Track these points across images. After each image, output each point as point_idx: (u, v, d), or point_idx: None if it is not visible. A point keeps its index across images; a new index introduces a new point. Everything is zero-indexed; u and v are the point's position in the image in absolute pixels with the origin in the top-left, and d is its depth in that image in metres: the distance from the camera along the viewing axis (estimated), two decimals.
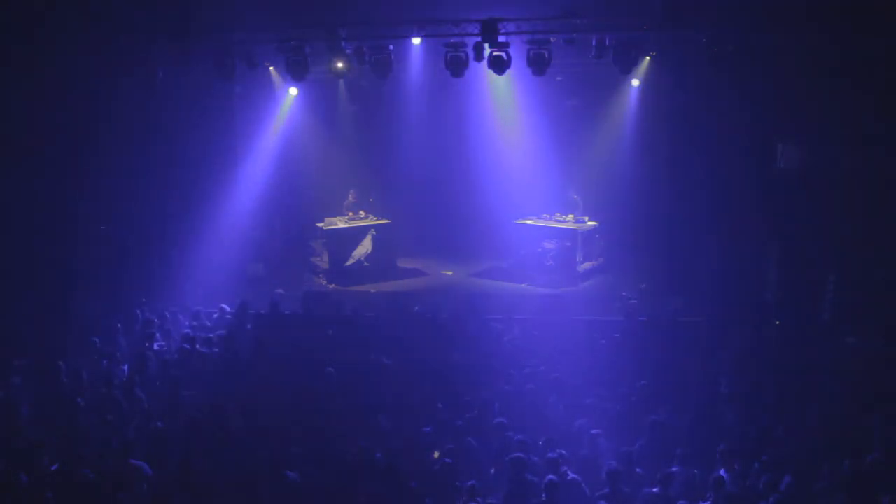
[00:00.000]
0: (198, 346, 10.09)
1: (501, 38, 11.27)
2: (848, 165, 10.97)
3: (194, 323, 11.47)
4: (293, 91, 15.38)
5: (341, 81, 15.00)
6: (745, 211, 12.53)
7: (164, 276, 12.98)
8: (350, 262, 15.06)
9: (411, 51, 12.86)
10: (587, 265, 14.98)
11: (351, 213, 15.42)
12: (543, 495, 6.54)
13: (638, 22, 11.18)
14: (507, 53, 11.39)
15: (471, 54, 11.51)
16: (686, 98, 13.35)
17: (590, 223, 14.99)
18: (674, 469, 6.95)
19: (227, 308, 11.84)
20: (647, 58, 13.66)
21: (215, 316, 11.85)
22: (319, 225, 15.19)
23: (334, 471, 7.17)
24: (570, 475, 6.87)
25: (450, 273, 15.63)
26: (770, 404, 8.52)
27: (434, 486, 6.94)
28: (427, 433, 7.82)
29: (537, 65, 11.54)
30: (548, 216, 15.32)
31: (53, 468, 7.02)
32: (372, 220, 15.38)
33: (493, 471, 7.29)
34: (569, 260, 14.65)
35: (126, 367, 9.69)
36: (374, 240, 15.20)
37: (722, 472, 6.97)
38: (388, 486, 6.84)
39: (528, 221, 15.30)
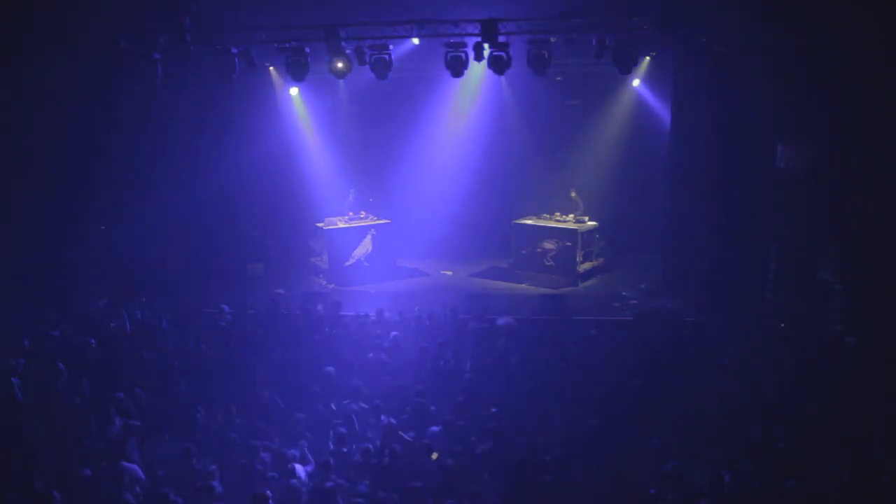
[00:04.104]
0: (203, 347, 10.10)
1: (501, 38, 11.27)
2: (848, 165, 10.97)
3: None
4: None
5: (341, 81, 14.99)
6: (744, 211, 12.52)
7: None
8: (350, 262, 15.07)
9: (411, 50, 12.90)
10: (587, 265, 14.98)
11: (351, 213, 15.43)
12: (542, 496, 6.55)
13: (638, 22, 11.17)
14: (508, 53, 11.39)
15: (471, 54, 11.50)
16: (686, 97, 13.34)
17: (590, 223, 14.99)
18: (670, 468, 6.95)
19: (227, 308, 11.84)
20: (647, 58, 13.67)
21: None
22: (319, 225, 15.20)
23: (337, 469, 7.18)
24: (571, 476, 6.88)
25: (450, 273, 15.64)
26: (770, 405, 8.51)
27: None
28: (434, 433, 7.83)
29: (537, 65, 11.53)
30: (548, 216, 15.33)
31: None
32: (372, 220, 15.39)
33: (487, 474, 7.28)
34: (569, 260, 14.66)
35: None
36: (374, 240, 15.21)
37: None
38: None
39: (528, 221, 15.31)
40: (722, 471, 6.91)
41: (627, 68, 11.57)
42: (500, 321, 11.13)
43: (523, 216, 15.49)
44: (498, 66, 11.47)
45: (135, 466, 7.08)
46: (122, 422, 7.94)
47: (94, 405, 8.39)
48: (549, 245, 14.92)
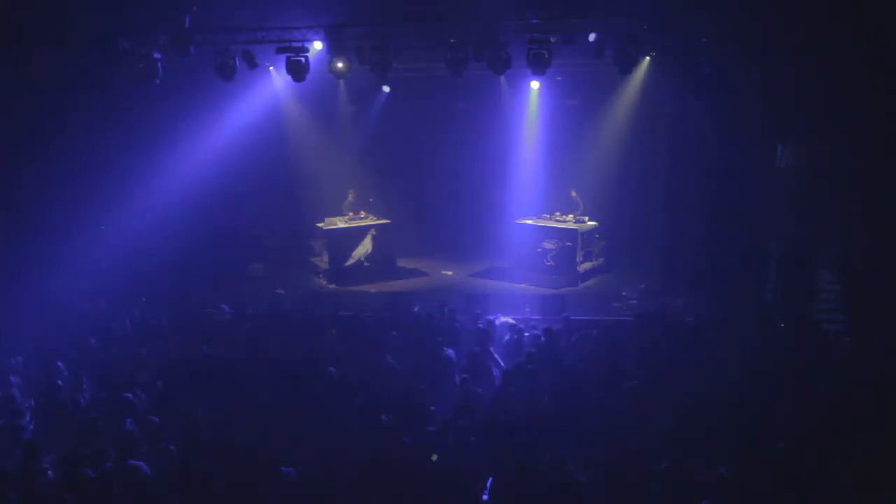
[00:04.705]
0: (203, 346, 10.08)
1: (501, 39, 11.28)
2: (848, 165, 10.97)
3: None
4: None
5: (341, 81, 14.99)
6: (745, 210, 12.52)
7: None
8: (350, 262, 15.07)
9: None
10: (587, 265, 14.98)
11: (351, 213, 15.43)
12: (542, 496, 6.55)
13: (638, 22, 11.17)
14: (507, 53, 11.39)
15: (471, 55, 11.51)
16: (686, 97, 13.32)
17: (590, 223, 14.99)
18: (666, 467, 6.94)
19: (227, 308, 11.85)
20: (647, 58, 13.66)
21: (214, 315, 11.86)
22: (319, 225, 15.20)
23: (336, 470, 7.17)
24: (575, 475, 6.87)
25: (450, 273, 15.64)
26: (769, 404, 8.51)
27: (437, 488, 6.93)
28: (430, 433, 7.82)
29: (537, 65, 11.53)
30: (548, 216, 15.33)
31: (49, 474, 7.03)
32: (372, 220, 15.39)
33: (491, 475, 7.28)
34: (569, 260, 14.66)
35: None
36: (374, 240, 15.21)
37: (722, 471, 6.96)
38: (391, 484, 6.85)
39: (528, 221, 15.31)
40: (722, 471, 6.90)
41: (627, 68, 11.57)
42: (500, 321, 11.14)
43: (523, 216, 15.48)
44: (498, 66, 11.48)
45: (142, 464, 7.09)
46: (133, 421, 7.97)
47: (98, 405, 8.41)
48: (549, 245, 14.92)
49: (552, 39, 11.49)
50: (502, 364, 9.74)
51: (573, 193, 15.34)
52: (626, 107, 15.17)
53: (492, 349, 10.24)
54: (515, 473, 6.93)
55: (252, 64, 12.13)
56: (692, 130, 13.36)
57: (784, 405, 8.42)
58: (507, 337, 10.70)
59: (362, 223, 15.29)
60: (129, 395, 8.39)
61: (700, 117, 13.08)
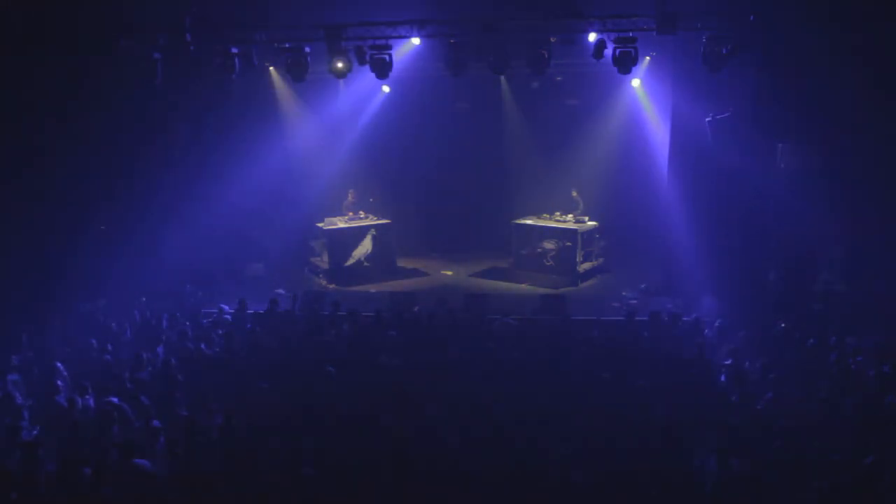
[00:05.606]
0: (203, 346, 10.07)
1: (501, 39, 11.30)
2: (849, 165, 10.98)
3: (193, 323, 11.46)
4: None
5: (341, 81, 15.00)
6: (745, 210, 12.52)
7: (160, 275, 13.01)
8: (350, 262, 15.07)
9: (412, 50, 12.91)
10: (587, 265, 14.98)
11: (351, 213, 15.43)
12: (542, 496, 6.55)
13: (638, 22, 11.18)
14: (507, 53, 11.40)
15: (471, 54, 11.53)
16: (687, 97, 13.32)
17: (590, 223, 15.00)
18: (669, 468, 6.94)
19: (227, 308, 11.84)
20: (647, 58, 13.66)
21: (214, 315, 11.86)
22: (319, 225, 15.21)
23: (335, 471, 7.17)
24: (575, 475, 6.88)
25: (450, 273, 15.64)
26: (771, 404, 8.51)
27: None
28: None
29: (537, 65, 11.54)
30: (548, 216, 15.33)
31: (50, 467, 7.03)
32: (372, 220, 15.39)
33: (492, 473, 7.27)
34: (569, 260, 14.66)
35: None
36: (374, 240, 15.21)
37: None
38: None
39: (528, 221, 15.31)
40: (723, 471, 6.91)
41: (627, 68, 11.58)
42: (499, 321, 11.13)
43: (523, 216, 15.48)
44: (498, 66, 11.49)
45: (145, 462, 7.09)
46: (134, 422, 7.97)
47: (99, 406, 8.40)
48: (549, 245, 14.91)
49: (552, 39, 11.49)
50: (508, 365, 9.72)
51: (574, 193, 15.34)
52: (625, 107, 15.19)
53: (495, 349, 10.24)
54: (515, 473, 6.93)
55: (251, 64, 12.12)
56: (692, 130, 13.34)
57: (784, 404, 8.43)
58: (507, 337, 10.70)
59: (362, 223, 15.29)
60: (129, 397, 8.38)
61: (700, 117, 13.07)
